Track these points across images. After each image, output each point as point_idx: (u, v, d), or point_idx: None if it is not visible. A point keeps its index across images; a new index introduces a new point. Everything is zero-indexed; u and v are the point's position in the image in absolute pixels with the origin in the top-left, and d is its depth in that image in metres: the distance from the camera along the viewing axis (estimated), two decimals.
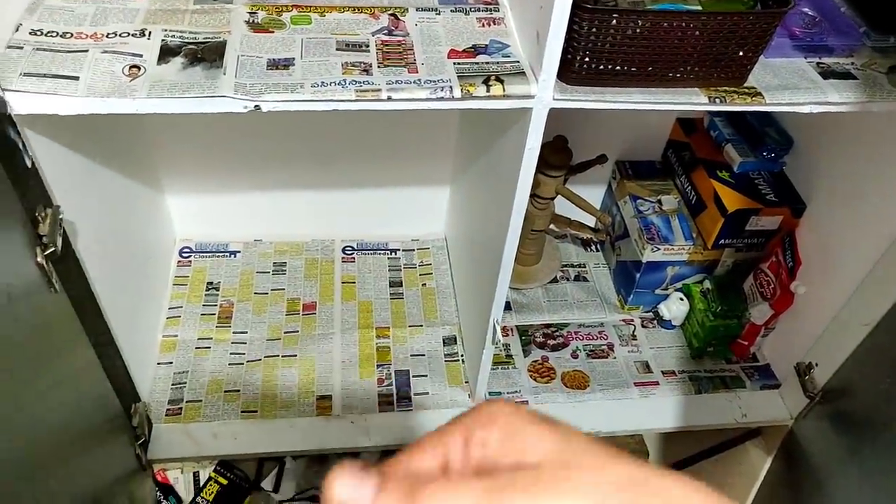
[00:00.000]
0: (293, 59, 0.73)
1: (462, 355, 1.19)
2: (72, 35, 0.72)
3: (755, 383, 1.19)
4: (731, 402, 1.17)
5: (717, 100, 0.74)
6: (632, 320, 1.27)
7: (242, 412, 1.09)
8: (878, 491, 0.98)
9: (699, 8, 0.71)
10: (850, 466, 1.02)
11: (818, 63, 0.79)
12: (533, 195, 1.21)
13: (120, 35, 0.72)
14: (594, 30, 0.68)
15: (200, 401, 1.10)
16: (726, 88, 0.75)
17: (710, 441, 1.22)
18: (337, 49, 0.75)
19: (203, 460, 1.11)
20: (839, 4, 0.85)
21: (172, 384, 1.12)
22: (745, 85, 0.76)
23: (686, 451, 1.21)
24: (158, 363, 1.14)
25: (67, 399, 0.80)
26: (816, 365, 1.10)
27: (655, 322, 1.27)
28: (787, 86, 0.76)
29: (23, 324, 0.68)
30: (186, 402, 1.10)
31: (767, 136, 1.16)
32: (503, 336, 1.22)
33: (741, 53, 0.73)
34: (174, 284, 1.25)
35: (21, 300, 0.67)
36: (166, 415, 1.08)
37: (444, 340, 1.22)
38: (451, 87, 0.70)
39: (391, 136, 1.22)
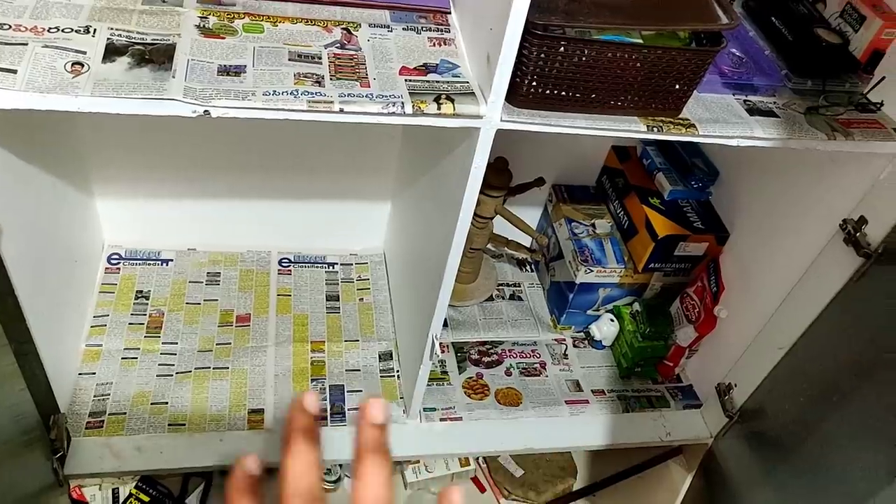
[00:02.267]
0: (245, 66, 0.73)
1: (398, 371, 1.19)
2: (10, 27, 0.70)
3: (679, 403, 1.24)
4: (655, 421, 1.22)
5: (655, 129, 0.78)
6: (564, 339, 1.31)
7: (170, 425, 1.06)
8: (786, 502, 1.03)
9: (641, 41, 0.75)
10: (765, 483, 1.08)
11: (745, 100, 0.85)
12: (474, 214, 1.23)
13: (63, 30, 0.70)
14: (542, 55, 0.71)
15: (125, 413, 1.06)
16: (663, 118, 0.79)
17: (636, 458, 1.26)
18: (289, 59, 0.75)
19: (125, 475, 1.06)
20: (763, 47, 0.91)
21: (94, 396, 1.07)
22: (681, 116, 0.80)
23: (613, 468, 1.25)
24: (80, 373, 1.09)
25: None
26: (735, 386, 1.16)
27: (586, 342, 1.31)
28: (717, 119, 0.81)
29: None
30: (109, 414, 1.05)
31: (695, 166, 1.22)
32: (439, 352, 1.23)
33: (677, 86, 0.77)
34: (101, 292, 1.20)
35: None
36: (86, 428, 1.03)
37: (379, 356, 1.21)
38: (402, 102, 0.71)
39: (333, 149, 1.22)
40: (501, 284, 1.37)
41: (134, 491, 1.06)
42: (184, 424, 1.06)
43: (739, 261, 1.17)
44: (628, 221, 1.25)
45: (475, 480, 1.19)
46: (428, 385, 1.17)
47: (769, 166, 1.10)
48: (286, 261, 1.33)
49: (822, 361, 0.99)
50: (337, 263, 1.35)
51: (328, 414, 1.12)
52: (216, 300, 1.24)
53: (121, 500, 1.06)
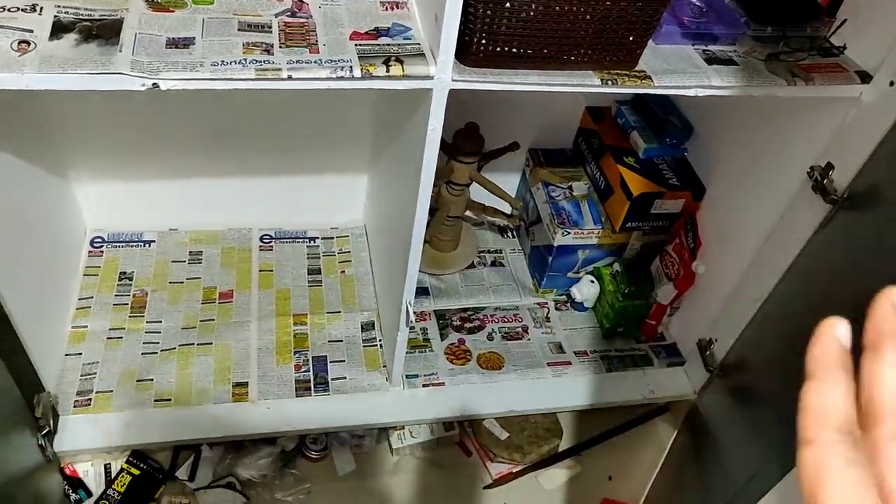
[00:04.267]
0: (193, 38, 0.73)
1: (380, 340, 1.21)
2: None
3: (662, 361, 1.25)
4: (639, 380, 1.22)
5: (609, 82, 0.77)
6: (546, 303, 1.31)
7: (156, 401, 1.08)
8: (768, 453, 1.04)
9: None
10: (748, 434, 1.08)
11: (704, 50, 0.84)
12: (448, 182, 1.24)
13: (8, 10, 0.71)
14: (489, 12, 0.71)
15: (111, 391, 1.08)
16: (618, 71, 0.78)
17: (622, 418, 1.27)
18: (239, 29, 0.75)
19: (114, 451, 1.08)
20: None
21: (81, 375, 1.09)
22: (636, 69, 0.79)
23: (598, 428, 1.26)
24: (67, 354, 1.11)
25: None
26: (716, 341, 1.17)
27: (568, 304, 1.32)
28: (674, 70, 0.80)
29: None
30: (96, 392, 1.07)
31: (670, 123, 1.22)
32: (421, 321, 1.25)
33: (630, 38, 0.76)
34: (85, 275, 1.22)
35: None
36: (74, 406, 1.05)
37: (362, 326, 1.23)
38: (350, 66, 0.72)
39: (308, 123, 1.22)
40: (483, 251, 1.38)
41: (125, 465, 1.08)
42: (170, 400, 1.08)
43: (716, 216, 1.17)
44: (604, 182, 1.24)
45: (461, 444, 1.21)
46: (410, 352, 1.19)
47: (742, 120, 1.09)
48: (267, 237, 1.34)
49: (796, 310, 0.99)
50: (318, 238, 1.36)
51: (311, 385, 1.13)
52: (199, 278, 1.26)
53: (113, 474, 1.08)
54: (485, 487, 1.18)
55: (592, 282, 1.28)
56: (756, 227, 1.05)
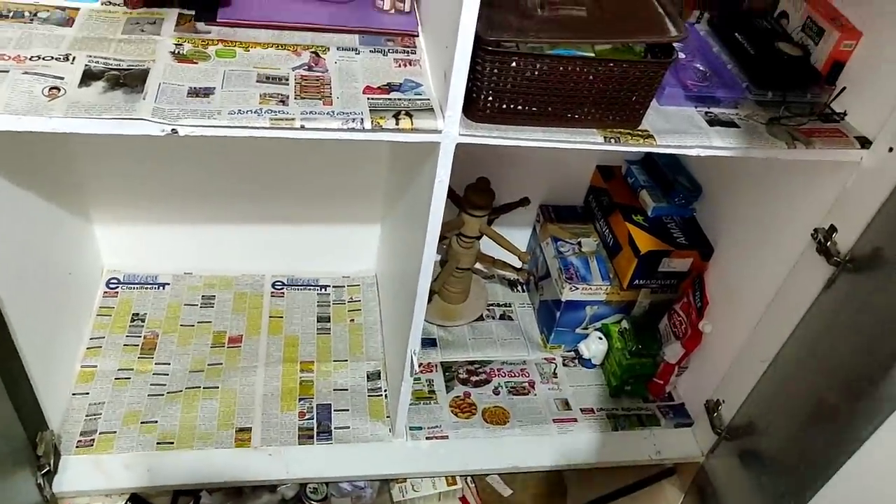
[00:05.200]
0: (214, 88, 0.76)
1: (385, 390, 1.20)
2: None
3: (669, 421, 1.23)
4: (646, 440, 1.21)
5: (612, 140, 0.79)
6: (553, 359, 1.31)
7: (158, 443, 1.08)
8: None
9: (593, 55, 0.77)
10: (754, 498, 1.06)
11: (706, 112, 0.86)
12: (458, 234, 1.26)
13: (43, 58, 0.75)
14: (496, 70, 0.74)
15: (115, 432, 1.09)
16: (621, 130, 0.81)
17: (628, 478, 1.25)
18: (257, 81, 0.78)
19: (112, 494, 1.08)
20: (727, 62, 0.93)
21: (87, 415, 1.10)
22: (639, 128, 0.82)
23: (604, 488, 1.23)
24: (74, 394, 1.12)
25: None
26: (723, 402, 1.15)
27: (576, 361, 1.31)
28: (676, 130, 0.82)
29: None
30: (100, 433, 1.08)
31: (678, 183, 1.23)
32: (427, 372, 1.25)
33: (633, 98, 0.79)
34: (98, 315, 1.24)
35: None
36: (77, 446, 1.06)
37: (368, 375, 1.23)
38: (362, 118, 0.74)
39: (323, 173, 1.25)
40: (492, 304, 1.39)
41: None
42: (172, 443, 1.09)
43: (723, 275, 1.17)
44: (613, 239, 1.25)
45: (463, 500, 1.19)
46: (415, 404, 1.19)
47: (748, 181, 1.10)
48: (279, 283, 1.36)
49: (802, 372, 0.98)
50: (329, 286, 1.38)
51: (315, 433, 1.13)
52: (210, 322, 1.27)
53: None
54: None
55: (601, 338, 1.27)
56: (762, 287, 1.05)
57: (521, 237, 1.41)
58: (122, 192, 1.22)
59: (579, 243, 1.30)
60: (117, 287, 1.29)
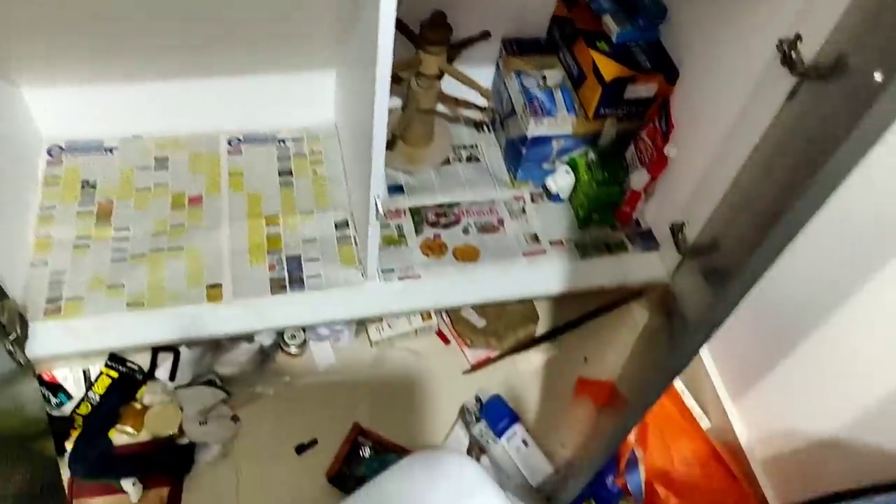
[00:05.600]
0: None
1: (354, 237, 1.20)
2: None
3: (636, 247, 1.26)
4: (613, 266, 1.23)
5: None
6: (521, 196, 1.30)
7: (128, 304, 1.07)
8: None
9: None
10: (713, 308, 1.10)
11: None
12: (417, 74, 1.20)
13: None
14: None
15: (82, 297, 1.07)
16: None
17: (597, 303, 1.29)
18: None
19: (91, 356, 1.09)
20: None
21: (50, 283, 1.08)
22: None
23: (574, 314, 1.28)
24: (33, 264, 1.09)
25: None
26: (687, 223, 1.17)
27: (544, 196, 1.31)
28: None
29: None
30: (66, 299, 1.06)
31: (642, 4, 1.18)
32: (396, 218, 1.24)
33: None
34: (45, 185, 1.19)
35: None
36: (45, 314, 1.04)
37: (336, 224, 1.21)
38: None
39: (270, 15, 1.16)
40: (458, 147, 1.36)
41: (104, 369, 1.09)
42: (143, 304, 1.08)
43: (688, 98, 1.14)
44: (577, 69, 1.21)
45: (439, 334, 1.23)
46: (385, 248, 1.19)
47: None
48: (235, 140, 1.31)
49: (763, 187, 0.99)
50: (288, 139, 1.33)
51: (287, 283, 1.13)
52: (166, 184, 1.23)
53: (93, 378, 1.09)
54: (464, 373, 1.20)
55: (567, 172, 1.26)
56: (728, 107, 1.03)
57: (485, 75, 1.36)
58: (49, 48, 1.12)
59: (544, 76, 1.25)
60: (60, 154, 1.23)
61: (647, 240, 1.27)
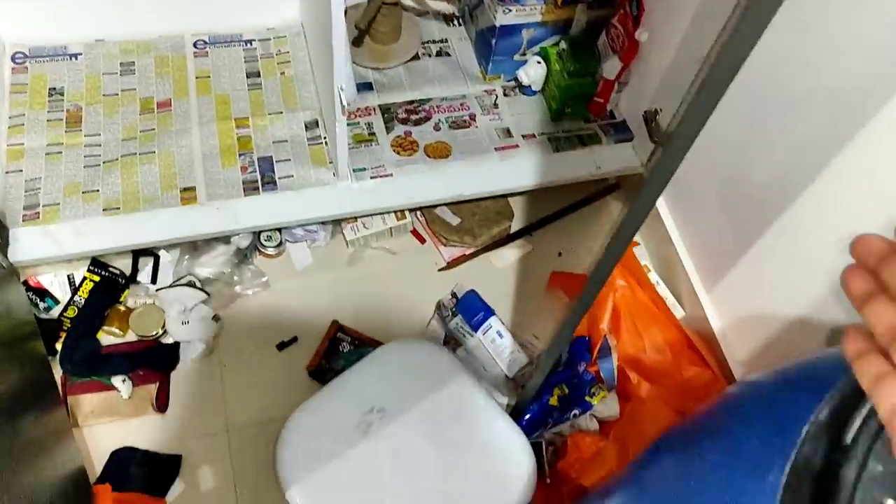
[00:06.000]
0: None
1: (324, 137, 1.19)
2: None
3: (610, 138, 1.25)
4: (586, 157, 1.23)
5: None
6: (493, 90, 1.29)
7: (104, 210, 1.09)
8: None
9: None
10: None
11: None
12: None
13: None
14: None
15: (58, 203, 1.09)
16: None
17: (573, 199, 1.30)
18: None
19: (70, 259, 1.11)
20: None
21: (26, 191, 1.09)
22: None
23: (549, 210, 1.28)
24: (7, 172, 1.10)
25: None
26: (660, 110, 1.16)
27: (516, 90, 1.29)
28: None
29: None
30: (43, 206, 1.08)
31: None
32: (365, 116, 1.23)
33: None
34: (12, 93, 1.18)
35: None
36: (24, 220, 1.06)
37: (305, 125, 1.21)
38: None
39: None
40: (427, 42, 1.33)
41: (87, 274, 1.11)
42: (118, 208, 1.09)
43: None
44: None
45: (414, 232, 1.24)
46: (356, 147, 1.19)
47: None
48: (201, 42, 1.28)
49: (734, 63, 0.97)
50: (254, 40, 1.30)
51: (259, 184, 1.14)
52: (134, 89, 1.22)
53: (77, 283, 1.12)
54: (440, 270, 1.23)
55: (539, 63, 1.24)
56: None
57: None
58: None
59: None
60: (24, 62, 1.21)
61: (620, 131, 1.26)
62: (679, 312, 1.22)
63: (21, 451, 0.88)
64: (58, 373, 1.08)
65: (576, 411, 1.09)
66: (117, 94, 1.21)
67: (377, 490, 0.90)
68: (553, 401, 1.07)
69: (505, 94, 1.28)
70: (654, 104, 1.17)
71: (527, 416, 1.06)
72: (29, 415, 0.95)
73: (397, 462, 0.91)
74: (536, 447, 1.01)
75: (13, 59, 1.21)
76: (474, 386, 0.97)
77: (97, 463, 1.04)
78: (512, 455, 0.93)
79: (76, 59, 1.23)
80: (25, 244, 1.04)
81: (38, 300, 1.11)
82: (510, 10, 1.17)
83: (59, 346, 1.08)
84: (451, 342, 1.18)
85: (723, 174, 1.07)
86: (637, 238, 1.21)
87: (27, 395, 0.98)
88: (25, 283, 1.11)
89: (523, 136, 1.23)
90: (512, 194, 1.28)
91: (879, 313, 0.31)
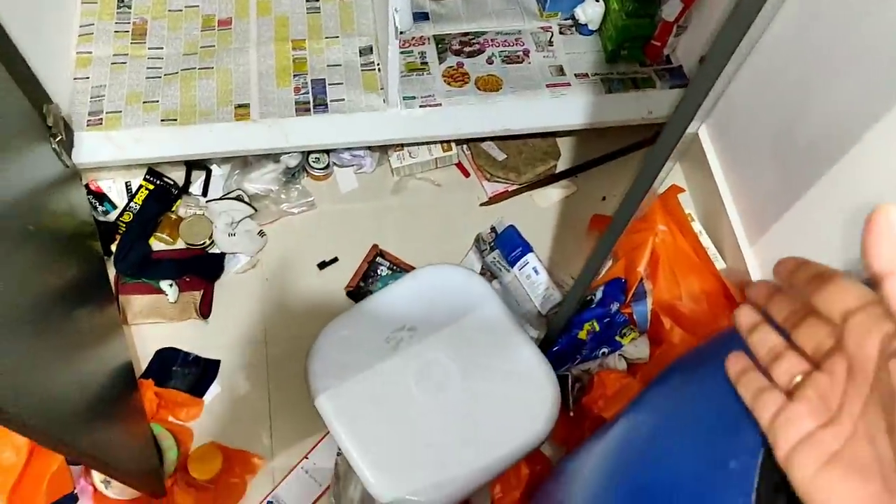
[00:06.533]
0: None
1: (377, 64, 1.21)
2: None
3: (665, 83, 1.23)
4: (638, 101, 1.21)
5: None
6: (549, 27, 1.27)
7: (162, 120, 1.13)
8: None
9: None
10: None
11: None
12: None
13: None
14: None
15: (120, 111, 1.13)
16: None
17: (621, 143, 1.28)
18: None
19: (131, 167, 1.16)
20: None
21: (91, 97, 1.14)
22: None
23: (597, 153, 1.27)
24: (76, 78, 1.15)
25: None
26: None
27: (573, 28, 1.27)
28: None
29: None
30: (106, 112, 1.13)
31: None
32: (419, 45, 1.23)
33: None
34: (83, 2, 1.22)
35: None
36: (88, 125, 1.11)
37: (360, 51, 1.22)
38: None
39: None
40: None
41: (143, 182, 1.16)
42: (175, 119, 1.13)
43: None
44: None
45: (459, 166, 1.25)
46: (408, 76, 1.19)
47: None
48: None
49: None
50: None
51: (311, 105, 1.16)
52: (197, 6, 1.25)
53: (133, 190, 1.17)
54: (481, 204, 1.24)
55: (597, 1, 1.22)
56: None
57: None
58: None
59: None
60: None
61: (676, 76, 1.24)
62: (720, 264, 1.21)
63: (76, 340, 0.94)
64: (111, 272, 1.14)
65: (605, 350, 1.09)
66: (181, 10, 1.24)
67: (402, 404, 0.93)
68: (582, 335, 1.08)
69: (561, 32, 1.27)
70: None
71: (555, 348, 1.07)
72: (86, 307, 1.02)
73: (423, 379, 0.93)
74: (562, 380, 1.02)
75: None
76: (505, 313, 0.98)
77: (142, 360, 1.10)
78: (537, 383, 0.95)
79: None
80: (88, 147, 1.10)
81: (98, 203, 1.16)
82: None
83: (113, 248, 1.14)
84: (487, 275, 1.19)
85: (775, 125, 1.04)
86: (682, 185, 1.20)
87: (85, 289, 1.04)
88: (87, 186, 1.17)
89: (576, 76, 1.22)
90: (560, 134, 1.28)
91: (763, 339, 0.37)
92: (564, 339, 1.07)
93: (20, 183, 0.91)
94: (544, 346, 1.06)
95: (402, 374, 0.94)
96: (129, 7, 1.23)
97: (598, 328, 1.13)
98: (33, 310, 0.81)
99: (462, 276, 1.03)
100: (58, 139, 1.02)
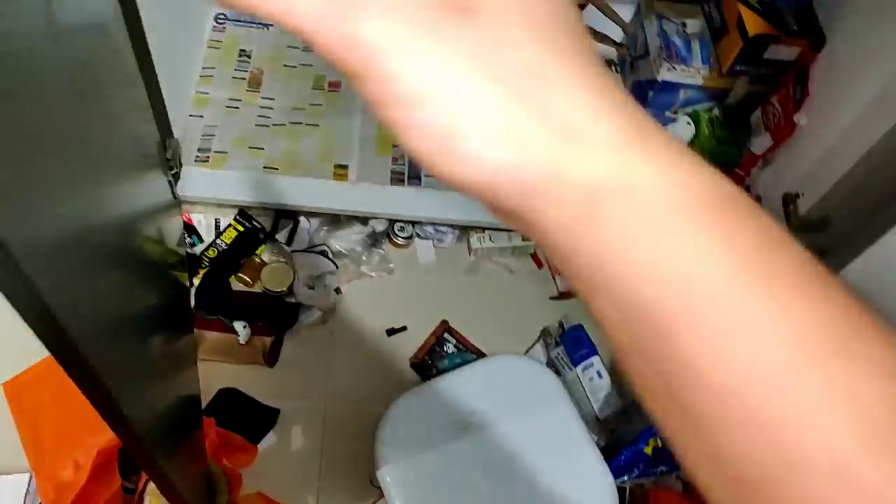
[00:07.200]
0: None
1: None
2: None
3: None
4: None
5: None
6: None
7: (265, 167, 1.18)
8: None
9: None
10: None
11: None
12: None
13: None
14: None
15: (226, 152, 1.19)
16: None
17: None
18: None
19: (225, 206, 1.20)
20: None
21: (203, 135, 1.20)
22: None
23: None
24: (191, 115, 1.21)
25: (120, 128, 0.87)
26: (802, 195, 1.18)
27: None
28: None
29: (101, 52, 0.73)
30: (214, 151, 1.18)
31: None
32: None
33: None
34: (209, 47, 1.30)
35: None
36: (195, 160, 1.16)
37: None
38: None
39: None
40: None
41: (233, 222, 1.20)
42: (277, 168, 1.18)
43: (831, 68, 1.14)
44: (721, 21, 1.22)
45: (534, 256, 1.29)
46: None
47: None
48: None
49: (888, 171, 0.99)
50: None
51: (406, 177, 1.21)
52: (311, 65, 1.32)
53: (222, 227, 1.21)
54: (552, 298, 1.27)
55: (689, 123, 1.28)
56: (870, 84, 1.03)
57: (623, 14, 1.37)
58: None
59: (684, 24, 1.26)
60: (224, 23, 1.33)
61: None
62: None
63: (153, 363, 0.96)
64: (191, 303, 1.16)
65: (663, 468, 1.10)
66: (296, 67, 1.31)
67: (465, 491, 0.93)
68: (647, 450, 1.08)
69: None
70: (797, 188, 1.19)
71: (619, 459, 1.07)
72: (166, 332, 1.04)
73: (489, 467, 0.94)
74: (620, 492, 1.03)
75: (216, 19, 1.33)
76: (574, 414, 1.00)
77: (204, 395, 1.12)
78: (599, 492, 0.95)
79: (268, 28, 1.34)
80: (192, 182, 1.14)
81: (187, 235, 1.20)
82: (674, 69, 1.22)
83: (195, 281, 1.17)
84: (551, 370, 1.21)
85: None
86: None
87: (168, 315, 1.06)
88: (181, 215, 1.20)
89: None
90: None
91: None
92: (630, 450, 1.08)
93: (136, 207, 0.95)
94: (606, 453, 1.06)
95: (469, 461, 0.95)
96: (249, 57, 1.30)
97: (660, 443, 1.14)
98: (124, 327, 0.84)
99: (537, 371, 1.06)
100: (173, 171, 1.07)
